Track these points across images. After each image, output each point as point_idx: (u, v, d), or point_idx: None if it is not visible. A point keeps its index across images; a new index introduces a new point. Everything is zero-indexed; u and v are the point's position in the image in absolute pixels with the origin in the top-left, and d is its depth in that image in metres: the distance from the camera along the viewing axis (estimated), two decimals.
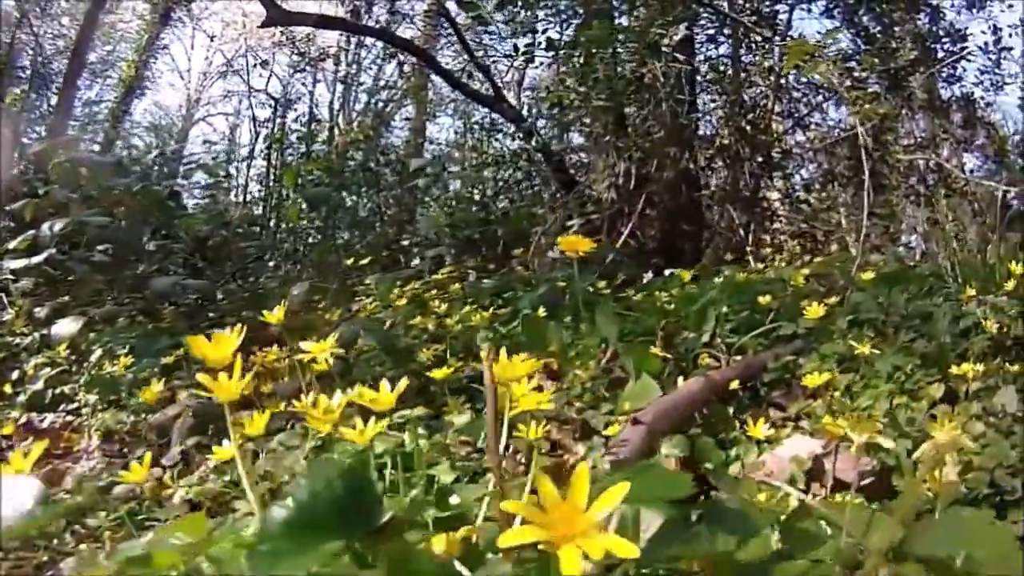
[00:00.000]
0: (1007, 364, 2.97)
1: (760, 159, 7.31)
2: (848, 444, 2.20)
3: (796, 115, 8.19)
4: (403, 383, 1.42)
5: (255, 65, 16.93)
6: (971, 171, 9.52)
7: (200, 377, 1.23)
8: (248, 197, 13.54)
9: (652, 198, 7.07)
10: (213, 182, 11.41)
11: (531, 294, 4.17)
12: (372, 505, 0.97)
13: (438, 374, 2.60)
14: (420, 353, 3.44)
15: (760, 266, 4.43)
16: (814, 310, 2.89)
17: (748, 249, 6.73)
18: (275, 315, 2.48)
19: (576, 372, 3.07)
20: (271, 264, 8.13)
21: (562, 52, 7.21)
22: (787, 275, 4.21)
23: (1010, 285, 3.57)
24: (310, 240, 9.75)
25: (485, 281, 4.83)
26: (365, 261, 5.92)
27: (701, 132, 7.73)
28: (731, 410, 2.78)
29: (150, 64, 17.27)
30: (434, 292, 4.73)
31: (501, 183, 8.75)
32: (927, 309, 3.48)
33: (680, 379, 2.77)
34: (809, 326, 3.14)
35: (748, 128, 7.22)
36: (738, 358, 3.20)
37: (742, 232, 7.07)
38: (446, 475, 2.09)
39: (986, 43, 7.88)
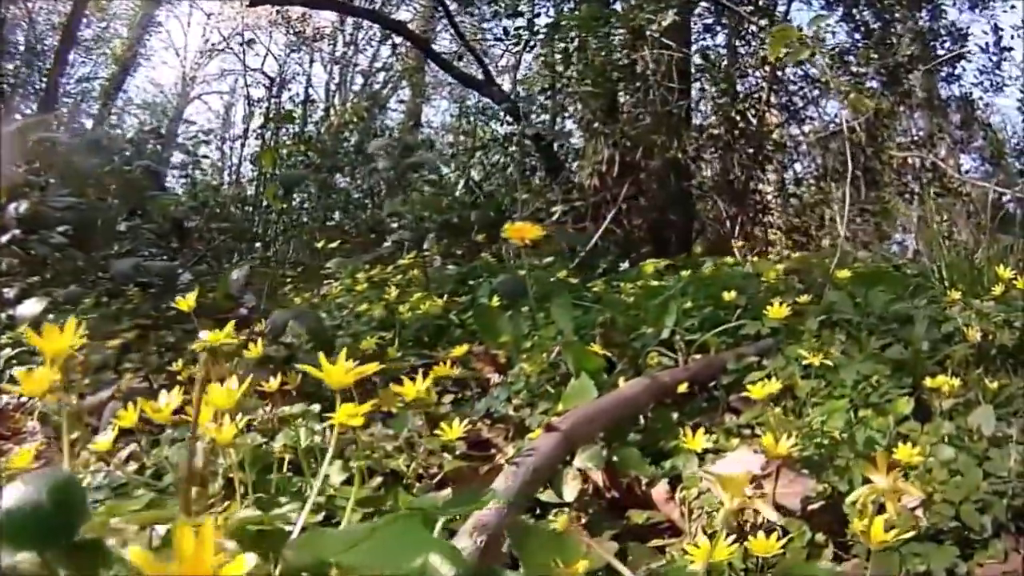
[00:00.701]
0: (987, 377, 2.68)
1: (752, 151, 7.01)
2: (794, 463, 1.92)
3: (792, 108, 7.90)
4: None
5: (242, 44, 16.58)
6: (967, 172, 9.33)
7: None
8: (241, 177, 13.24)
9: (640, 186, 6.77)
10: (192, 161, 11.10)
11: (495, 282, 3.87)
12: (74, 519, 0.90)
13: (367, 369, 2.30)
14: (364, 341, 3.15)
15: (730, 260, 4.09)
16: (777, 310, 2.58)
17: (735, 242, 6.43)
18: (186, 301, 2.41)
19: (522, 366, 2.78)
20: (243, 246, 7.82)
21: (549, 36, 6.91)
22: (763, 269, 3.90)
23: (998, 290, 3.26)
24: (303, 221, 9.48)
25: (450, 267, 4.53)
26: (335, 244, 5.58)
27: (694, 122, 7.45)
28: (684, 413, 2.50)
29: (144, 41, 16.91)
30: (399, 278, 4.43)
31: (489, 167, 8.46)
32: (907, 311, 3.17)
33: (626, 379, 2.47)
34: (776, 325, 2.82)
35: (739, 119, 6.91)
36: (697, 357, 2.90)
37: (729, 224, 6.77)
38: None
39: (987, 43, 7.60)
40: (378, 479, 1.96)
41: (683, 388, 2.44)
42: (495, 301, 3.39)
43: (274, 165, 7.26)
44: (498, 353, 3.03)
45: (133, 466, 2.11)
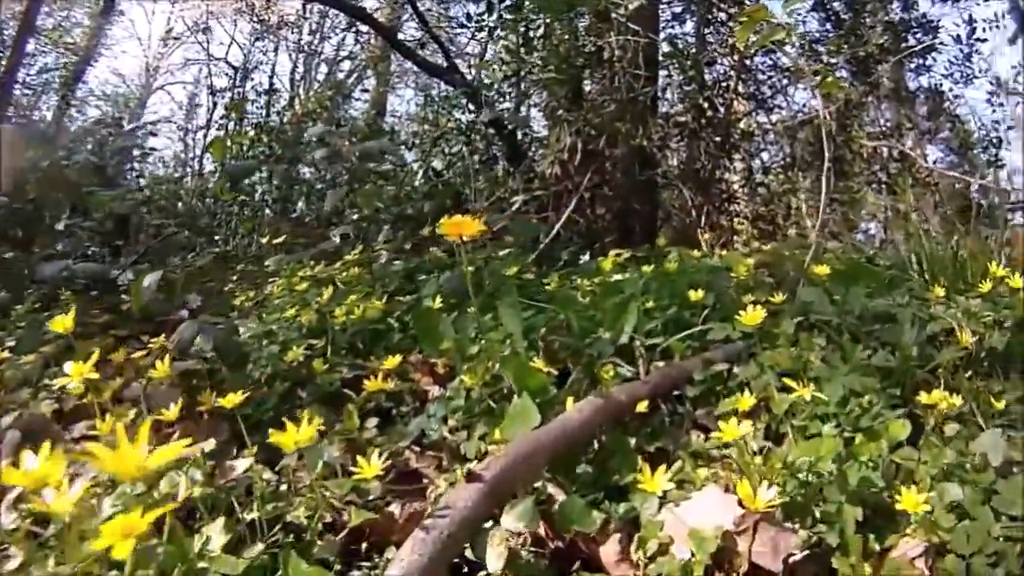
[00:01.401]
0: (979, 383, 2.33)
1: (719, 139, 6.66)
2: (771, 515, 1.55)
3: (760, 97, 7.58)
4: None
5: (196, 32, 15.96)
6: (934, 162, 9.15)
7: None
8: (203, 169, 12.72)
9: (604, 175, 6.41)
10: (141, 154, 10.58)
11: (442, 278, 3.48)
12: None
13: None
14: (291, 351, 2.77)
15: (697, 253, 3.72)
16: (751, 316, 2.20)
17: (701, 232, 6.08)
18: (62, 321, 2.07)
19: (462, 377, 2.40)
20: (201, 241, 7.35)
21: (510, 20, 6.53)
22: (732, 263, 3.52)
23: (985, 286, 2.92)
24: (264, 213, 9.01)
25: (396, 263, 4.10)
26: (280, 239, 5.09)
27: (661, 110, 7.10)
28: (644, 435, 2.13)
29: (106, 30, 16.23)
30: (345, 275, 4.03)
31: (450, 156, 8.03)
32: (890, 310, 2.81)
33: (576, 398, 2.09)
34: (748, 330, 2.45)
35: (707, 107, 6.55)
36: (660, 364, 2.52)
37: (695, 214, 6.41)
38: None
39: (958, 36, 7.36)
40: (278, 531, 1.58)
41: (643, 407, 2.08)
42: (438, 302, 3.01)
43: (224, 156, 6.81)
44: (437, 362, 2.64)
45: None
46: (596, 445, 2.00)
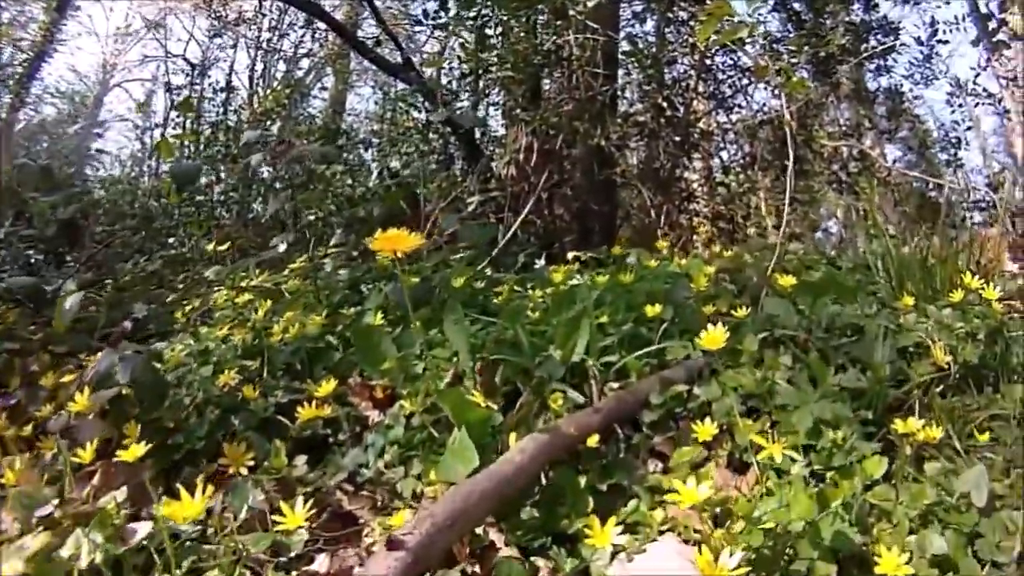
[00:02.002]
0: (963, 411, 2.16)
1: (678, 139, 6.47)
2: None
3: (720, 96, 7.42)
4: None
5: (153, 28, 15.49)
6: (893, 161, 9.10)
7: None
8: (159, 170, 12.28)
9: (562, 175, 6.21)
10: (86, 155, 10.20)
11: (387, 289, 3.25)
12: None
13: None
14: (223, 375, 2.54)
15: (656, 260, 3.50)
16: (712, 336, 2.00)
17: (661, 233, 5.89)
18: None
19: (402, 403, 2.19)
20: (155, 245, 7.02)
21: (463, 16, 6.29)
22: (692, 269, 3.32)
23: (956, 296, 2.75)
24: (220, 214, 8.66)
25: (342, 271, 3.84)
26: (224, 246, 4.76)
27: (620, 109, 6.90)
28: (596, 471, 1.92)
29: (61, 26, 15.67)
30: (288, 285, 3.77)
31: (406, 156, 7.78)
32: (858, 321, 2.63)
33: (519, 433, 1.88)
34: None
35: (666, 106, 6.36)
36: (615, 386, 2.32)
37: (654, 214, 6.22)
38: None
39: (919, 38, 7.28)
40: None
41: (593, 441, 1.87)
42: (384, 315, 2.79)
43: (171, 155, 6.49)
44: (378, 384, 2.42)
45: None
46: (544, 480, 1.79)
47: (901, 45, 7.30)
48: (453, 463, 1.63)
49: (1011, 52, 7.29)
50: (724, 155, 7.58)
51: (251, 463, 1.92)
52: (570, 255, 4.51)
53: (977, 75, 7.10)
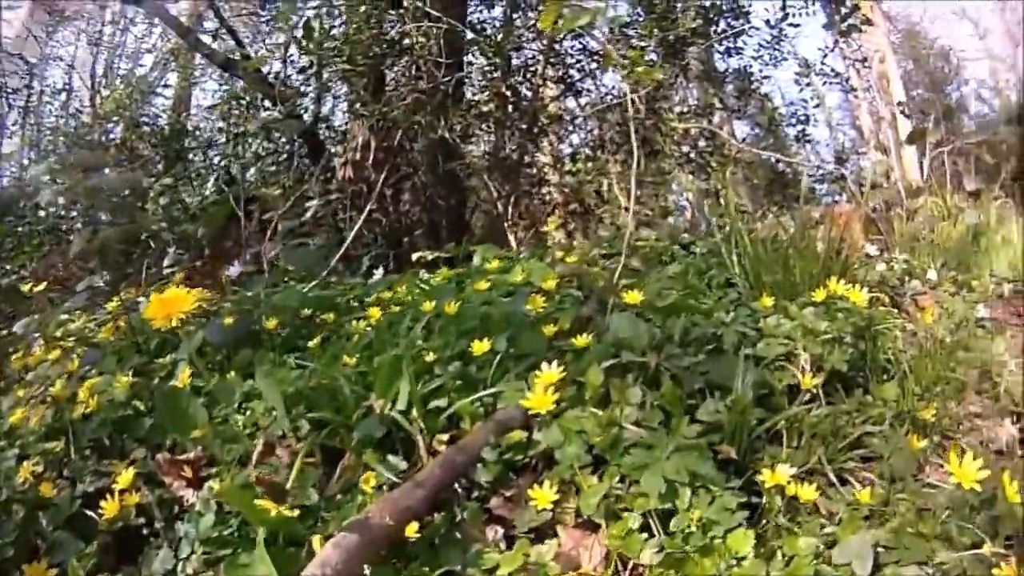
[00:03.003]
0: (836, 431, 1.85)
1: (525, 126, 6.14)
2: None
3: (568, 80, 7.13)
4: None
5: None
6: (743, 140, 9.07)
7: None
8: None
9: (404, 171, 5.80)
10: None
11: (206, 329, 2.78)
12: None
13: None
14: (22, 467, 2.06)
15: (496, 263, 3.12)
16: (539, 399, 1.62)
17: (509, 226, 5.55)
18: None
19: (211, 485, 1.76)
20: None
21: (293, 5, 5.78)
22: (537, 275, 2.93)
23: (819, 295, 2.45)
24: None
25: None
26: (42, 287, 4.02)
27: (468, 98, 6.50)
28: (429, 545, 1.54)
29: None
30: (102, 334, 3.23)
31: (241, 161, 7.12)
32: (713, 331, 2.30)
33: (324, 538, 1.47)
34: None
35: (510, 94, 6.01)
36: (445, 438, 1.91)
37: (501, 206, 5.88)
38: None
39: (768, 20, 7.19)
40: None
41: (412, 531, 1.48)
42: (186, 376, 2.29)
43: None
44: (190, 457, 1.95)
45: None
46: None
47: (751, 28, 7.22)
48: None
49: (857, 35, 7.23)
50: (575, 139, 7.36)
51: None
52: (415, 256, 4.13)
53: (825, 56, 7.12)
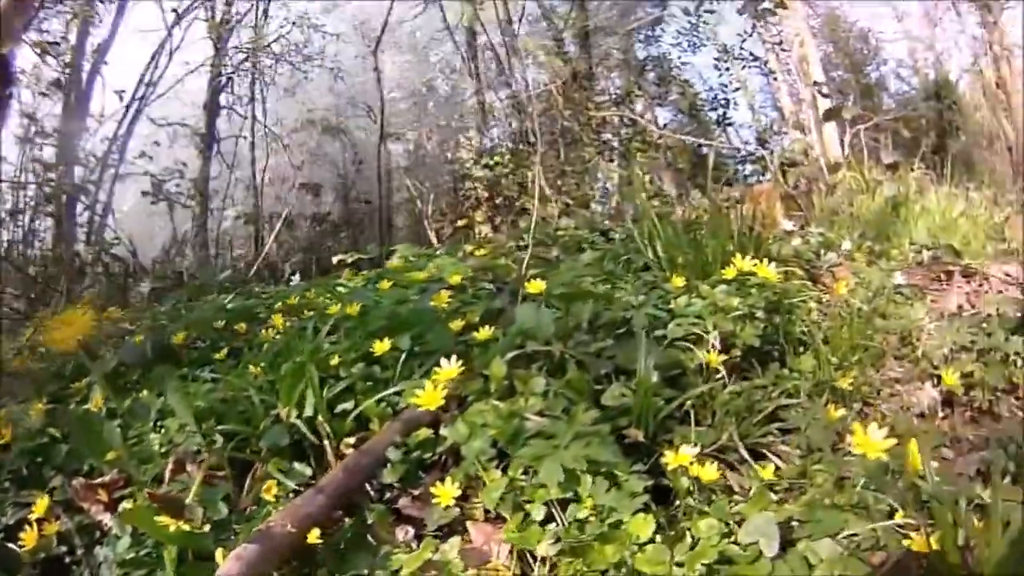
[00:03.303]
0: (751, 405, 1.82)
1: (443, 122, 6.12)
2: None
3: (488, 73, 7.11)
4: None
5: None
6: (664, 125, 9.08)
7: None
8: None
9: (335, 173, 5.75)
10: None
11: (121, 349, 2.67)
12: None
13: None
14: None
15: (398, 264, 3.06)
16: (429, 395, 1.56)
17: (429, 223, 5.51)
18: None
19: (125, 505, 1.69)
20: None
21: None
22: (447, 271, 2.87)
23: (730, 272, 2.41)
24: None
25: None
26: None
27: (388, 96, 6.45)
28: (337, 549, 1.49)
29: None
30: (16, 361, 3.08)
31: None
32: (622, 316, 2.25)
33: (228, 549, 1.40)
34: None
35: (425, 91, 5.99)
36: (352, 441, 1.85)
37: (420, 203, 5.84)
38: None
39: (685, 8, 7.27)
40: None
41: (314, 537, 1.41)
42: (99, 399, 2.20)
43: None
44: (105, 480, 1.85)
45: None
46: None
47: (668, 15, 7.30)
48: None
49: (775, 19, 7.31)
50: (496, 132, 7.30)
51: None
52: (335, 259, 4.06)
53: (744, 41, 7.20)
